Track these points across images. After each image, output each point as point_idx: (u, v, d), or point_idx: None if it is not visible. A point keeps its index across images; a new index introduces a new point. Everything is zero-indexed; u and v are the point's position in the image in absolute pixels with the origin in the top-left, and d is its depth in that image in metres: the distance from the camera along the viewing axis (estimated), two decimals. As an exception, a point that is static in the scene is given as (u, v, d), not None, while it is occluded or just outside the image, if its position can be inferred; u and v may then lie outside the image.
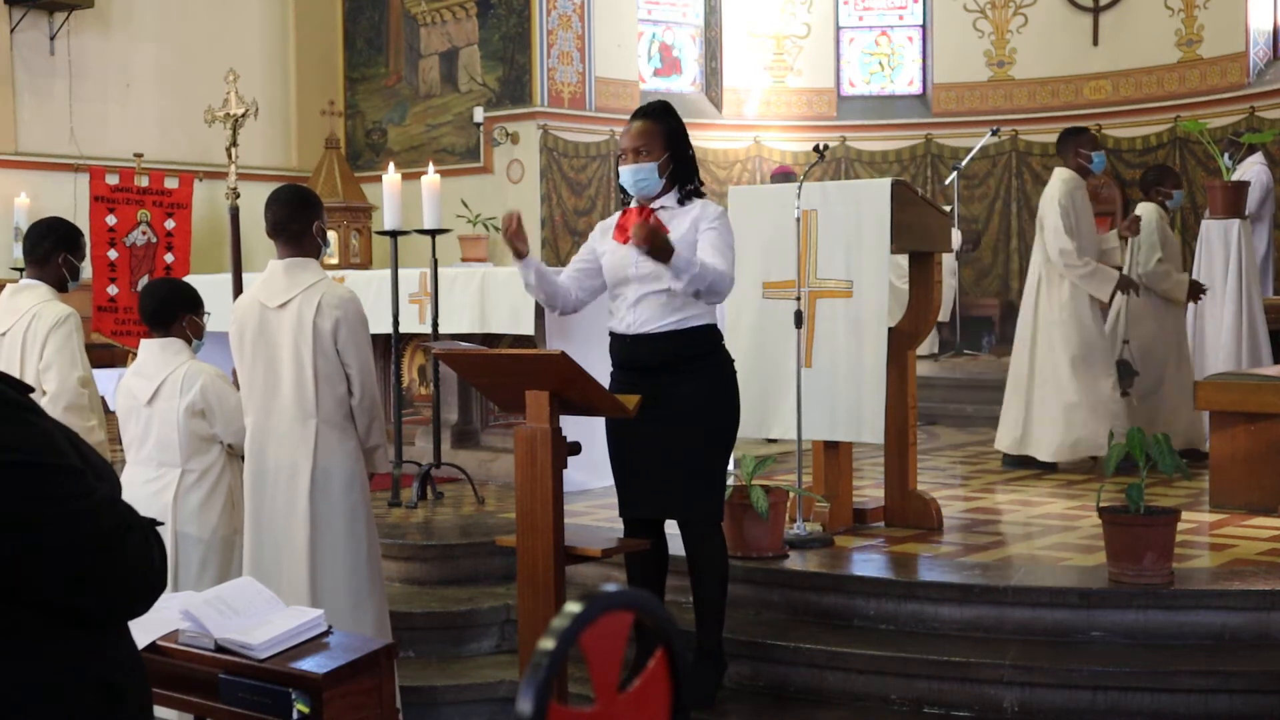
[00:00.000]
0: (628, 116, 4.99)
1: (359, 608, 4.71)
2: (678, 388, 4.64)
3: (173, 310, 4.99)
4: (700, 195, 4.81)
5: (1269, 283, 11.21)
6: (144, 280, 12.37)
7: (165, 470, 4.86)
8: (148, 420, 4.90)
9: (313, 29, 14.91)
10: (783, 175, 11.93)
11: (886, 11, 15.38)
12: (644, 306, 4.69)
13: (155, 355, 4.93)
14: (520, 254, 4.77)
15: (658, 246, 4.41)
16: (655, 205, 4.75)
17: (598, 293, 4.94)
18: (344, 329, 4.66)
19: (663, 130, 4.73)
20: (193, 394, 4.84)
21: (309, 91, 14.77)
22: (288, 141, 14.80)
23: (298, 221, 4.79)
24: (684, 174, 4.77)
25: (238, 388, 4.95)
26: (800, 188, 5.82)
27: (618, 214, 4.93)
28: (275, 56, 14.65)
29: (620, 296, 4.77)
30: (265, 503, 4.73)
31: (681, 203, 4.75)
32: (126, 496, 2.44)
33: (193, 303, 5.06)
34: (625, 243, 4.72)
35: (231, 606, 3.72)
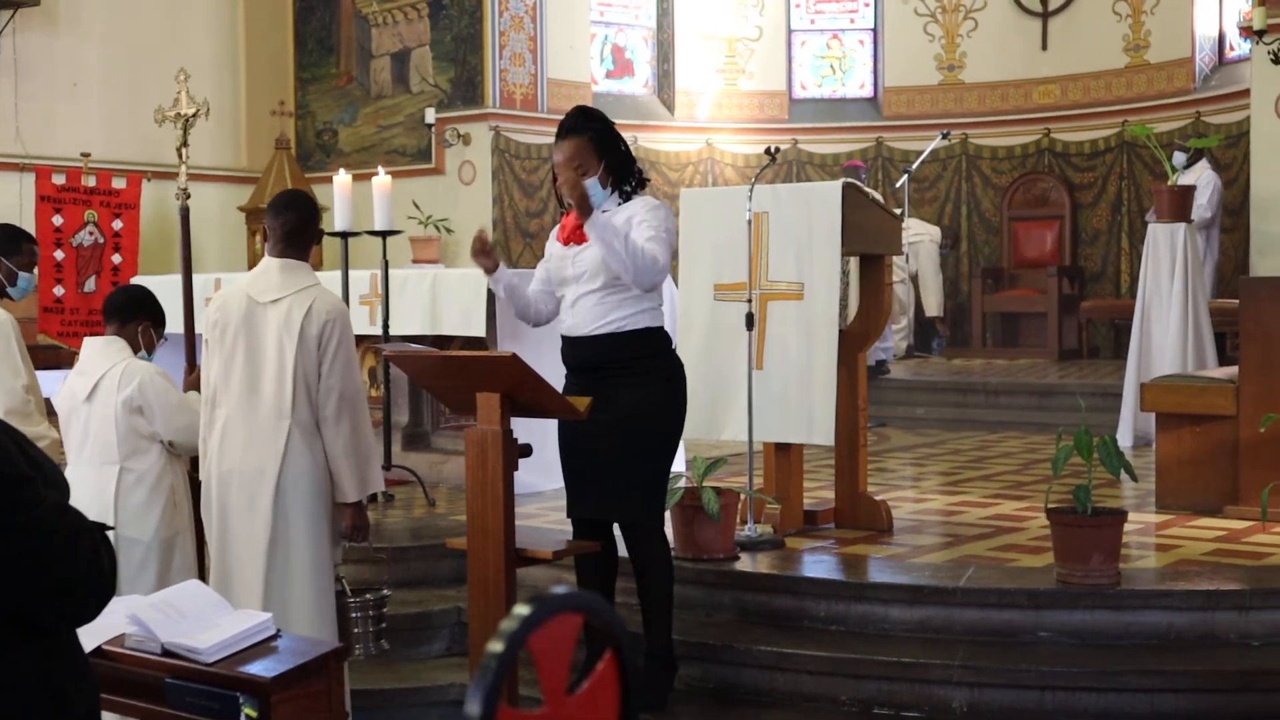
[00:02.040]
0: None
1: (320, 614, 4.66)
2: (623, 390, 4.65)
3: (135, 312, 4.96)
4: (642, 187, 4.84)
5: (1215, 286, 11.34)
6: (91, 281, 12.28)
7: (105, 469, 4.80)
8: (87, 419, 4.84)
9: (263, 29, 14.81)
10: (853, 169, 11.93)
11: (838, 15, 15.44)
12: (581, 307, 4.72)
13: (97, 352, 4.89)
14: (489, 270, 4.77)
15: (583, 195, 4.52)
16: (600, 209, 4.76)
17: (554, 308, 4.97)
18: (333, 339, 4.58)
19: (593, 142, 4.74)
20: (130, 389, 4.77)
21: (259, 92, 14.68)
22: (237, 142, 14.70)
23: (310, 233, 4.80)
24: (622, 174, 4.81)
25: (195, 387, 4.90)
26: (751, 190, 5.83)
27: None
28: (225, 56, 14.55)
29: (563, 298, 4.82)
30: (230, 499, 4.64)
31: (623, 201, 4.79)
32: (71, 496, 2.42)
33: (157, 315, 5.03)
34: (565, 244, 4.76)
35: (178, 610, 3.68)
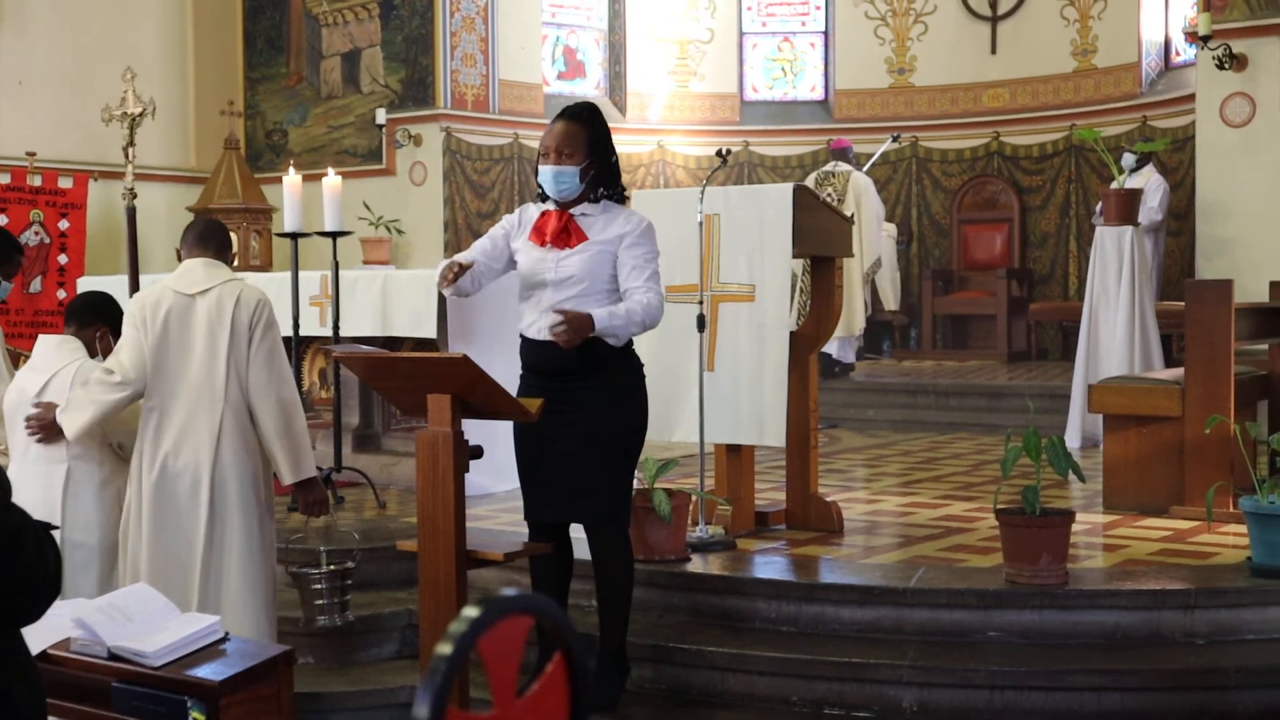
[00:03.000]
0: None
1: (255, 594, 4.69)
2: (586, 392, 4.63)
3: (97, 317, 5.05)
4: (622, 201, 4.80)
5: (1162, 288, 11.45)
6: (36, 281, 12.15)
7: (53, 467, 4.78)
8: None
9: (212, 28, 14.71)
10: (840, 150, 11.81)
11: (789, 18, 15.50)
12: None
13: (50, 351, 4.90)
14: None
15: (579, 335, 4.47)
16: (575, 211, 4.73)
17: (495, 277, 4.90)
18: (260, 323, 4.72)
19: (587, 134, 4.70)
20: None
21: (208, 91, 14.57)
22: (186, 142, 14.59)
23: (221, 237, 4.99)
24: (605, 179, 4.75)
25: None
26: (703, 192, 5.84)
27: (534, 209, 4.85)
28: (173, 55, 14.44)
29: (533, 299, 4.73)
30: (166, 488, 4.68)
31: (605, 207, 4.73)
32: (16, 496, 2.39)
33: (116, 323, 5.06)
34: (542, 244, 4.71)
35: (125, 614, 3.66)
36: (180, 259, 4.95)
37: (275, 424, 4.72)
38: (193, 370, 4.71)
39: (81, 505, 4.80)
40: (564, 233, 4.68)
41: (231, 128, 14.25)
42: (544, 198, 4.80)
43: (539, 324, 4.68)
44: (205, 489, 4.66)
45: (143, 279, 8.11)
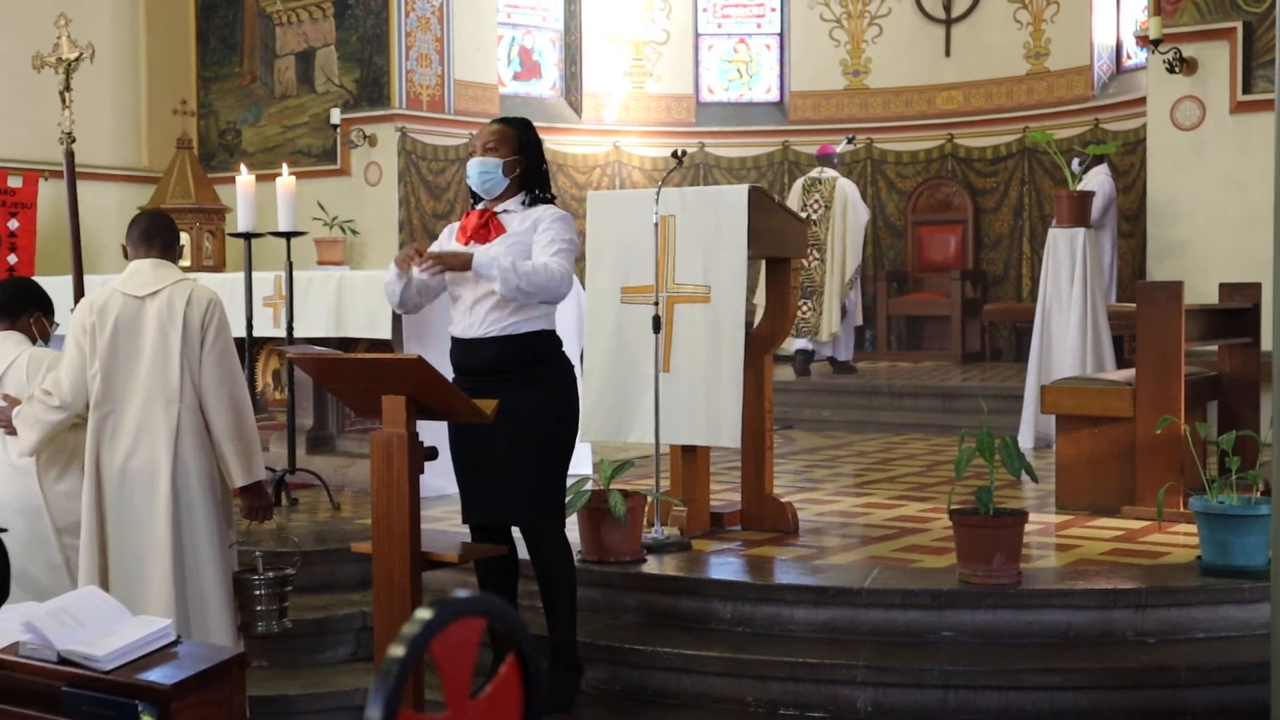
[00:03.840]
0: (487, 120, 5.03)
1: (225, 597, 4.69)
2: (514, 393, 4.63)
3: (23, 305, 5.04)
4: (549, 204, 4.84)
5: (1113, 290, 11.54)
6: (-14, 282, 12.01)
7: (24, 458, 4.83)
8: None
9: (164, 26, 14.59)
10: (826, 156, 11.93)
11: (745, 19, 15.53)
12: (479, 310, 4.70)
13: None
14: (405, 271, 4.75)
15: (450, 265, 4.56)
16: (499, 208, 4.78)
17: (434, 295, 4.93)
18: (213, 324, 4.69)
19: (516, 135, 4.82)
20: (42, 373, 4.81)
21: (160, 90, 14.45)
22: (138, 141, 14.47)
23: (167, 234, 4.89)
24: (532, 181, 4.81)
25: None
26: (658, 193, 5.85)
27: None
28: (125, 53, 14.31)
29: (458, 299, 4.79)
30: (124, 494, 4.65)
31: (526, 205, 4.78)
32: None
33: (45, 304, 5.06)
34: (466, 243, 4.77)
35: (75, 617, 3.63)
36: (126, 256, 4.92)
37: (227, 426, 4.69)
38: (146, 372, 4.67)
39: (57, 489, 4.86)
40: (483, 229, 4.77)
41: (184, 127, 14.14)
42: (478, 202, 4.88)
43: (464, 323, 4.75)
44: (165, 489, 4.62)
45: (94, 279, 8.03)
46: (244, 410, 4.74)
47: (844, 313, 11.77)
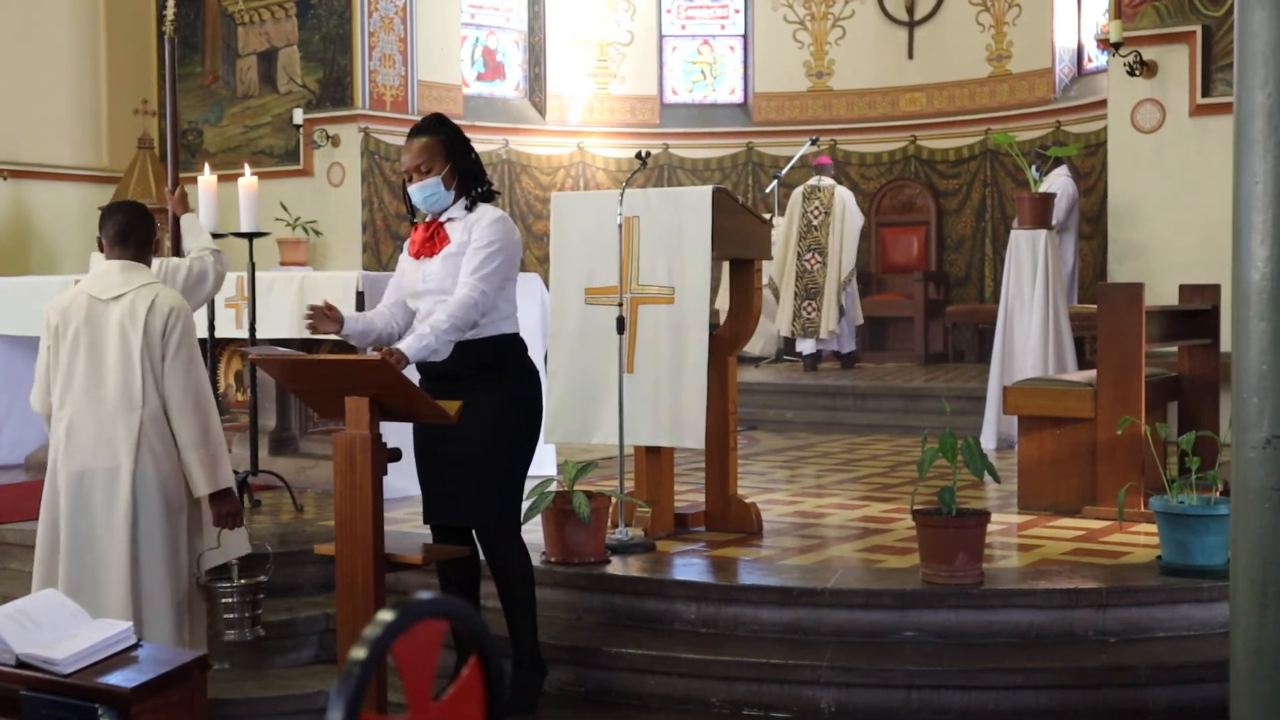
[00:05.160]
0: (451, 120, 4.97)
1: (177, 603, 4.64)
2: (478, 396, 4.62)
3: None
4: (490, 198, 4.84)
5: (1075, 291, 11.61)
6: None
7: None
8: None
9: (125, 25, 14.50)
10: (822, 167, 12.69)
11: (709, 21, 15.55)
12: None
13: None
14: (336, 332, 4.74)
15: (398, 369, 4.40)
16: (444, 218, 4.78)
17: (406, 320, 4.92)
18: (176, 329, 4.63)
19: (441, 143, 4.76)
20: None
21: (121, 90, 14.36)
22: (98, 140, 14.37)
23: (142, 231, 4.82)
24: (469, 181, 4.80)
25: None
26: (622, 194, 5.85)
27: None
28: (86, 53, 14.22)
29: (418, 309, 4.80)
30: (82, 498, 4.60)
31: (469, 209, 4.77)
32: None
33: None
34: (417, 257, 4.79)
35: (34, 620, 3.60)
36: (100, 248, 4.88)
37: (192, 434, 4.63)
38: (108, 378, 4.62)
39: None
40: (429, 241, 4.78)
41: (145, 127, 14.06)
42: (417, 216, 4.90)
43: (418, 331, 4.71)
44: (124, 496, 4.57)
45: (54, 279, 7.98)
46: (210, 418, 4.68)
47: (841, 311, 12.38)
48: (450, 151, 4.76)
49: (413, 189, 4.77)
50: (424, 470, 4.82)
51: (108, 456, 4.59)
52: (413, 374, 4.78)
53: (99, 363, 4.64)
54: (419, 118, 5.41)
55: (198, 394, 4.66)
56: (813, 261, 12.35)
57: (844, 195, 12.47)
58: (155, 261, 5.04)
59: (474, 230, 4.70)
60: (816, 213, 12.37)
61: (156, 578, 4.62)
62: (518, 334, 4.83)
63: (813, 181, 12.54)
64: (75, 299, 4.71)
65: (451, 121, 4.90)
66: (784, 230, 12.39)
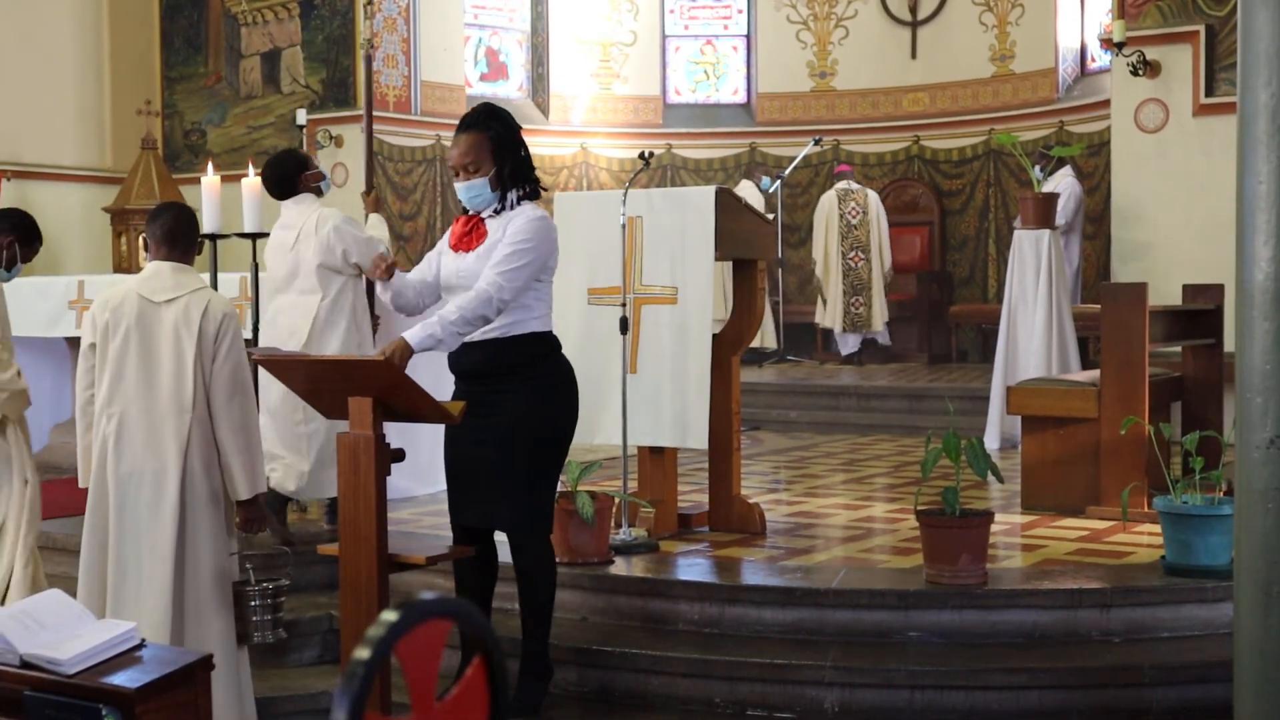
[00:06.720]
0: (454, 121, 4.96)
1: (225, 606, 4.65)
2: (508, 395, 4.62)
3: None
4: (535, 197, 4.80)
5: (1078, 291, 11.60)
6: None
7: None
8: None
9: (129, 26, 14.50)
10: (843, 174, 13.28)
11: (711, 21, 15.54)
12: None
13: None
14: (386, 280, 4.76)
15: (400, 361, 4.45)
16: (486, 213, 4.74)
17: (434, 294, 4.91)
18: (227, 336, 4.62)
19: (489, 140, 4.70)
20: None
21: (124, 91, 14.36)
22: (102, 141, 14.37)
23: (189, 233, 4.82)
24: (517, 178, 4.75)
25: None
26: (626, 194, 5.85)
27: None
28: (89, 54, 14.22)
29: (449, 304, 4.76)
30: (130, 499, 4.60)
31: (512, 206, 4.74)
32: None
33: (24, 232, 5.23)
34: (456, 251, 4.76)
35: (38, 621, 3.60)
36: (146, 248, 4.87)
37: (236, 440, 4.62)
38: (160, 380, 4.61)
39: None
40: (468, 236, 4.75)
41: (149, 127, 14.06)
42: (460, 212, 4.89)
43: (427, 321, 4.71)
44: (172, 496, 4.56)
45: (58, 281, 7.99)
46: (252, 425, 4.70)
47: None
48: (498, 149, 4.70)
49: (459, 187, 4.73)
50: (452, 470, 4.79)
51: (157, 457, 4.59)
52: (432, 374, 4.78)
53: (152, 364, 4.62)
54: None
55: (243, 401, 4.66)
56: (856, 259, 13.02)
57: (875, 196, 13.21)
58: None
59: (509, 227, 4.67)
60: (854, 213, 13.01)
61: (204, 579, 4.61)
62: (550, 333, 4.79)
63: (841, 185, 13.14)
64: (125, 298, 4.69)
65: (502, 112, 4.83)
66: (820, 233, 13.07)
